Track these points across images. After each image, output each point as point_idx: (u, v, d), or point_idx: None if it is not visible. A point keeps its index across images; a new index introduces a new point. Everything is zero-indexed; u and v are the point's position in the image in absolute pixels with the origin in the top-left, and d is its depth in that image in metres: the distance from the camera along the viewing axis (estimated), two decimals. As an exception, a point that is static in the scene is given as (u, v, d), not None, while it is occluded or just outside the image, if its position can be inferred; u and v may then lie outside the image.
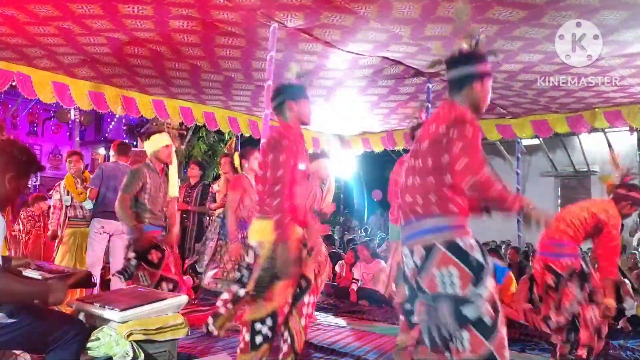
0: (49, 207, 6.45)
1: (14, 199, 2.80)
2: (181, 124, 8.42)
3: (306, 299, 3.41)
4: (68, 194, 5.72)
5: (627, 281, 6.52)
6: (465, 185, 2.35)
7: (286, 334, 3.38)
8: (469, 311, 2.36)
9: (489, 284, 2.40)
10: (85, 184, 5.66)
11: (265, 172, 3.28)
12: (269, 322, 3.17)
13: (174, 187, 4.63)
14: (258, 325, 3.17)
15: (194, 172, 7.34)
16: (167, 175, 4.63)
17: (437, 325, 2.43)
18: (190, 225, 7.16)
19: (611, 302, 4.07)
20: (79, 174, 5.77)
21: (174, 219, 4.76)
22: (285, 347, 3.40)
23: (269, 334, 3.17)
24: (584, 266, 4.21)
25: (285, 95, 3.53)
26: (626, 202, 4.31)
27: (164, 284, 4.38)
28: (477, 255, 2.42)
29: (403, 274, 2.69)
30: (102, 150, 15.59)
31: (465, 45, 2.61)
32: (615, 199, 4.34)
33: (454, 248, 2.42)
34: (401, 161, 4.24)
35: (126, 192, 4.35)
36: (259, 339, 3.16)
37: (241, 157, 5.23)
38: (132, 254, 4.34)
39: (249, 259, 3.41)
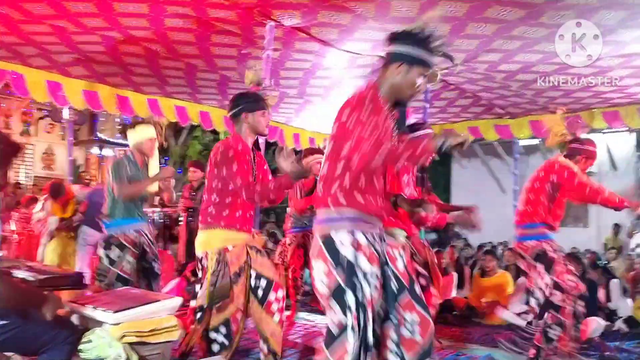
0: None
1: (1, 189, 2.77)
2: (175, 123, 8.36)
3: (271, 296, 3.41)
4: (54, 216, 5.61)
5: (616, 281, 6.52)
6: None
7: (261, 339, 3.46)
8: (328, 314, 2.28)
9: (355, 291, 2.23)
10: (71, 200, 5.53)
11: (212, 182, 3.41)
12: (222, 330, 3.28)
13: (153, 185, 4.50)
14: (213, 335, 3.28)
15: (196, 174, 7.28)
16: (147, 168, 4.51)
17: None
18: (196, 227, 7.11)
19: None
20: (64, 202, 5.61)
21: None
22: (265, 348, 3.46)
23: (225, 341, 3.28)
24: (549, 250, 4.17)
25: (241, 106, 3.67)
26: (581, 156, 4.23)
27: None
28: (346, 252, 2.27)
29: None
30: (95, 150, 15.50)
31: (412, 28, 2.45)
32: (569, 155, 4.25)
33: (327, 242, 2.31)
34: None
35: (121, 182, 4.26)
36: (216, 347, 3.29)
37: None
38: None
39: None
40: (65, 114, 9.37)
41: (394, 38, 2.48)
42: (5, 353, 2.73)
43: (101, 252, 4.26)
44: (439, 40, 2.45)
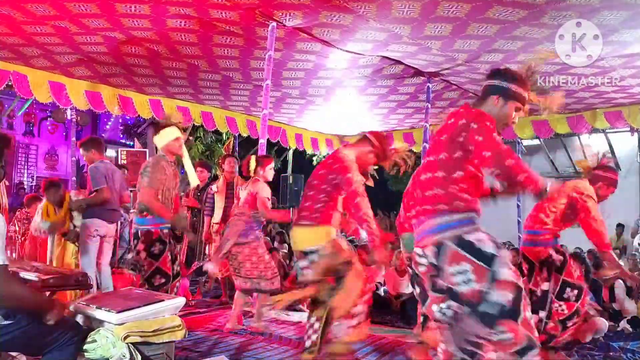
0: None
1: None
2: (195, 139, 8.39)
3: None
4: (46, 222, 5.55)
5: (620, 282, 6.49)
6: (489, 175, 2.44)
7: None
8: (490, 307, 2.33)
9: (505, 273, 2.36)
10: (66, 204, 5.48)
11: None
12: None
13: (193, 176, 4.60)
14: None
15: (203, 174, 7.32)
16: (181, 166, 4.60)
17: (464, 330, 2.40)
18: (200, 228, 7.13)
19: (608, 273, 4.26)
20: (59, 203, 5.59)
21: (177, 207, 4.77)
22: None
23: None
24: (554, 257, 4.28)
25: None
26: (603, 183, 4.37)
27: (157, 276, 4.35)
28: (488, 248, 2.40)
29: (414, 274, 2.69)
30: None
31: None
32: (591, 180, 4.36)
33: (463, 244, 2.41)
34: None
35: (153, 186, 4.32)
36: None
37: (257, 162, 5.18)
38: (141, 246, 4.33)
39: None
40: (68, 114, 9.39)
41: (492, 73, 2.74)
42: (11, 352, 2.74)
43: (140, 246, 4.36)
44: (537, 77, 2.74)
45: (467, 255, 2.39)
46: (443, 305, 2.46)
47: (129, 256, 4.54)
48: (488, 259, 2.38)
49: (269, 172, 5.16)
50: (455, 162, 2.48)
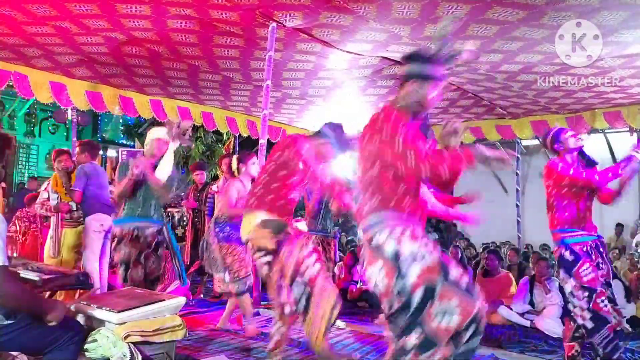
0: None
1: None
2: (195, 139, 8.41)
3: None
4: (55, 193, 5.67)
5: (617, 282, 6.49)
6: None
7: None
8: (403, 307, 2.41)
9: (415, 270, 2.40)
10: (70, 183, 5.59)
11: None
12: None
13: (160, 171, 4.55)
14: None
15: (202, 177, 7.42)
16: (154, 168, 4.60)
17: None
18: (202, 227, 7.16)
19: None
20: (66, 173, 5.69)
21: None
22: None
23: None
24: (567, 255, 4.11)
25: None
26: (556, 143, 4.15)
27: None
28: (390, 247, 2.46)
29: None
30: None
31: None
32: (555, 153, 4.21)
33: (374, 245, 2.50)
34: None
35: (118, 181, 4.44)
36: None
37: (239, 160, 5.19)
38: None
39: None
40: (69, 114, 9.40)
41: (406, 59, 2.80)
42: (12, 352, 2.76)
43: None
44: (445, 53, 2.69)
45: (379, 255, 2.47)
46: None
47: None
48: (395, 258, 2.43)
49: (253, 167, 5.11)
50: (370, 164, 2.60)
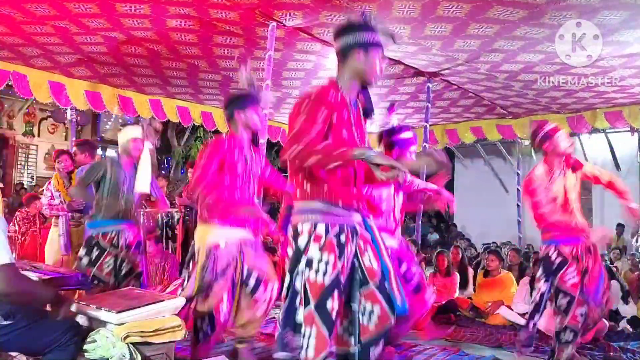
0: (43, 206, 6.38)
1: None
2: (177, 124, 8.40)
3: (259, 293, 3.64)
4: (57, 192, 5.66)
5: (615, 283, 6.49)
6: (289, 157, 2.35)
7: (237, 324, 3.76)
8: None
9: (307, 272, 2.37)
10: (72, 183, 5.59)
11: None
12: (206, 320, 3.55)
13: (140, 181, 4.46)
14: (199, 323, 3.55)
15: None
16: (135, 168, 4.47)
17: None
18: (193, 226, 7.14)
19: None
20: (66, 174, 5.68)
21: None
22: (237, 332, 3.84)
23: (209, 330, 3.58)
24: (552, 256, 4.01)
25: (233, 105, 3.77)
26: (544, 143, 4.04)
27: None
28: (301, 241, 2.42)
29: None
30: (98, 151, 15.50)
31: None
32: (543, 154, 4.12)
33: (293, 231, 2.48)
34: None
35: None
36: (200, 335, 3.58)
37: None
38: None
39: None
40: (68, 114, 9.40)
41: (339, 33, 2.65)
42: (10, 353, 2.74)
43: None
44: (375, 21, 2.63)
45: (293, 243, 2.45)
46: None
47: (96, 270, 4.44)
48: (300, 251, 2.41)
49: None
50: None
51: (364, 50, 2.54)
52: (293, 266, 2.42)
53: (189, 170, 7.53)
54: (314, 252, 2.39)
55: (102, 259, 4.26)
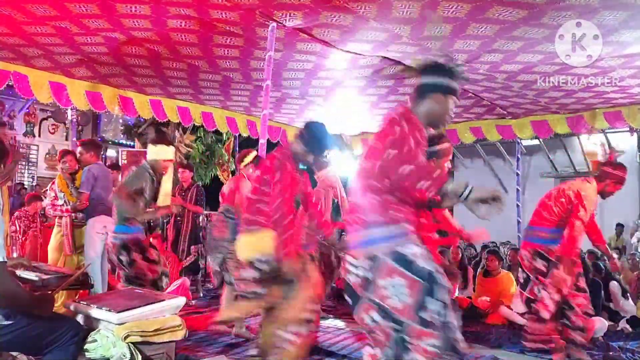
0: (44, 207, 6.41)
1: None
2: (177, 124, 8.46)
3: None
4: (61, 192, 5.68)
5: (615, 283, 6.51)
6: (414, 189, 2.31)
7: None
8: (423, 324, 2.30)
9: (438, 290, 2.33)
10: (74, 184, 5.60)
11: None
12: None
13: (165, 196, 4.61)
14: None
15: (186, 174, 7.42)
16: (159, 183, 4.63)
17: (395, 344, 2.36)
18: (184, 227, 7.16)
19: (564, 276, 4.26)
20: (70, 174, 5.69)
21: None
22: None
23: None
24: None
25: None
26: (610, 180, 4.40)
27: (164, 278, 4.44)
28: (421, 263, 2.36)
29: (346, 283, 2.58)
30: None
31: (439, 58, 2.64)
32: (599, 177, 4.40)
33: (397, 258, 2.36)
34: None
35: (126, 185, 4.38)
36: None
37: (254, 159, 5.16)
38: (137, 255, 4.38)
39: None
40: (69, 114, 9.41)
41: (426, 69, 2.63)
42: (11, 352, 2.75)
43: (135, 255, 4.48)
44: (461, 67, 2.66)
45: (401, 269, 2.34)
46: (374, 314, 2.41)
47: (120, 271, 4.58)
48: (422, 274, 2.33)
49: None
50: (382, 171, 2.39)
51: (443, 95, 2.58)
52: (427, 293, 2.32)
53: (179, 170, 7.56)
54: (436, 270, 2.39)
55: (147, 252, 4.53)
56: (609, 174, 4.43)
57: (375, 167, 2.40)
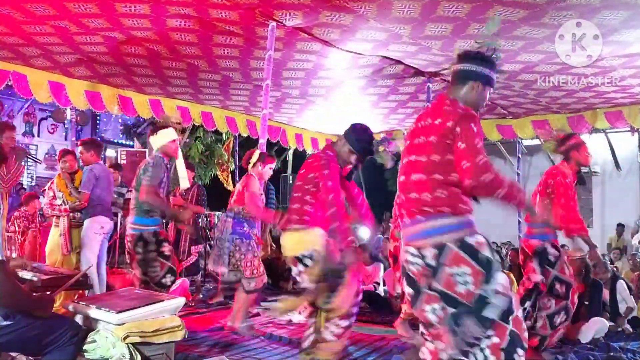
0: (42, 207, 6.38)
1: None
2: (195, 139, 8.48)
3: None
4: (60, 192, 5.66)
5: (622, 282, 6.50)
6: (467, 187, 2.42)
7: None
8: (489, 311, 2.37)
9: (500, 277, 2.42)
10: (73, 184, 5.58)
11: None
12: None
13: (184, 179, 4.65)
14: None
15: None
16: (174, 169, 4.68)
17: (462, 330, 2.40)
18: (184, 227, 7.13)
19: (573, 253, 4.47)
20: (69, 174, 5.67)
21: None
22: None
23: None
24: (549, 251, 4.44)
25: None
26: (573, 152, 4.49)
27: (168, 276, 4.45)
28: (486, 252, 2.43)
29: (407, 275, 2.62)
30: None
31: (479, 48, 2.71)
32: (565, 158, 4.53)
33: (465, 246, 2.42)
34: None
35: (154, 184, 4.38)
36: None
37: (260, 158, 5.16)
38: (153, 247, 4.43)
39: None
40: (68, 114, 9.39)
41: (470, 57, 2.70)
42: (10, 353, 2.74)
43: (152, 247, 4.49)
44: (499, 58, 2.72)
45: (468, 258, 2.40)
46: (436, 305, 2.47)
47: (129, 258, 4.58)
48: (486, 263, 2.40)
49: (268, 172, 5.17)
50: (449, 165, 2.46)
51: (482, 84, 2.64)
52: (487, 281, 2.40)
53: None
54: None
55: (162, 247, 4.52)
56: (568, 147, 4.58)
57: (441, 160, 2.47)
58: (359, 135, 3.59)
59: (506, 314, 2.38)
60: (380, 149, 3.76)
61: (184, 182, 4.68)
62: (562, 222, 4.16)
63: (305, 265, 3.39)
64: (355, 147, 3.55)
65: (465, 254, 2.41)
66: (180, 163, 4.70)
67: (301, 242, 3.43)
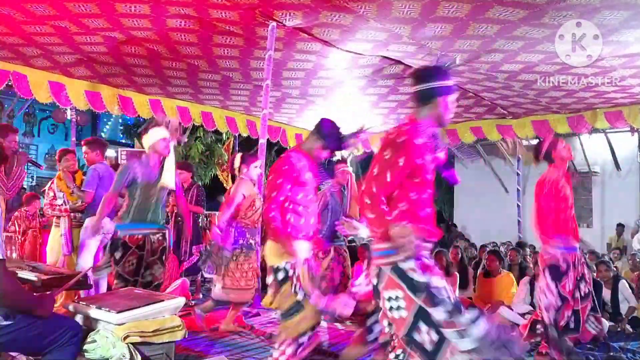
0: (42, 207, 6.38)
1: None
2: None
3: None
4: (61, 192, 5.66)
5: (624, 282, 6.49)
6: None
7: None
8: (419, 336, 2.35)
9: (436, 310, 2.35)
10: (75, 183, 5.58)
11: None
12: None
13: (168, 178, 4.57)
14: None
15: (184, 176, 7.35)
16: (162, 167, 4.59)
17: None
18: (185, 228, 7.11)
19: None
20: (70, 173, 5.68)
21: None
22: None
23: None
24: (559, 264, 4.37)
25: None
26: (552, 153, 4.38)
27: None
28: (418, 277, 2.37)
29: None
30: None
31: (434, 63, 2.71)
32: (548, 162, 4.45)
33: (397, 271, 2.40)
34: None
35: (114, 190, 4.38)
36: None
37: (242, 160, 5.14)
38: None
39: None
40: (68, 114, 9.38)
41: (423, 77, 2.69)
42: (11, 353, 2.74)
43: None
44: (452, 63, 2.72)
45: (400, 282, 2.38)
46: (385, 322, 2.53)
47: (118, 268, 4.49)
48: (418, 289, 2.36)
49: (254, 171, 5.08)
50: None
51: (444, 96, 2.65)
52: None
53: (178, 171, 7.51)
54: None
55: (126, 257, 4.39)
56: (548, 151, 4.47)
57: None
58: (328, 129, 3.65)
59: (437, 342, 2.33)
60: (352, 141, 3.79)
61: (168, 182, 4.56)
62: (554, 231, 4.19)
63: (275, 279, 3.34)
64: (326, 142, 3.61)
65: (398, 279, 2.39)
66: (169, 161, 4.62)
67: (276, 253, 3.37)
